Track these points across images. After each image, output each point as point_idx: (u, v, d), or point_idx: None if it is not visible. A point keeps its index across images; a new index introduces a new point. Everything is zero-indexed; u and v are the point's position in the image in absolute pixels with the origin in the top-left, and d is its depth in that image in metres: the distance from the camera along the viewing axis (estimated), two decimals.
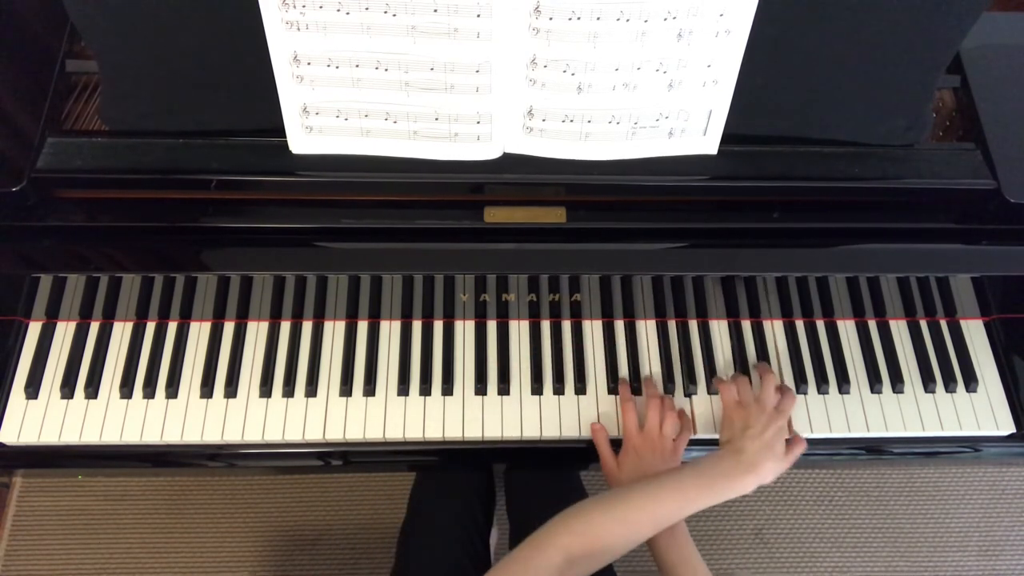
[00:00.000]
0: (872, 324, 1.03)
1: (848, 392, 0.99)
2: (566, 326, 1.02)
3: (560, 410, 0.97)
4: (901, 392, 1.00)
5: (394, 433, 0.96)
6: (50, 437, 0.94)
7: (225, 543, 1.65)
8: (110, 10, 0.79)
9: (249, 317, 1.01)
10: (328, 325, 1.01)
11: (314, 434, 0.95)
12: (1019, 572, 1.68)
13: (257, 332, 1.00)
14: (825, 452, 1.00)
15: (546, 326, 1.02)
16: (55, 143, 0.86)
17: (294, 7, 0.74)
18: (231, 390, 0.97)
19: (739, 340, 1.02)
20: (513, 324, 1.02)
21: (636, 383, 0.99)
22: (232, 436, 0.95)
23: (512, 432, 0.96)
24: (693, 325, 1.03)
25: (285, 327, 1.01)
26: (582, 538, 0.77)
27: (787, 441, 0.90)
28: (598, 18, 0.74)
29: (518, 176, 0.86)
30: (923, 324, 1.03)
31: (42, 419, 0.95)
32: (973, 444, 0.99)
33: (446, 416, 0.97)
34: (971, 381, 0.99)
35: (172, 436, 0.95)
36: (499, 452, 1.00)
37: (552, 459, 1.03)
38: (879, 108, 0.87)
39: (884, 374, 1.00)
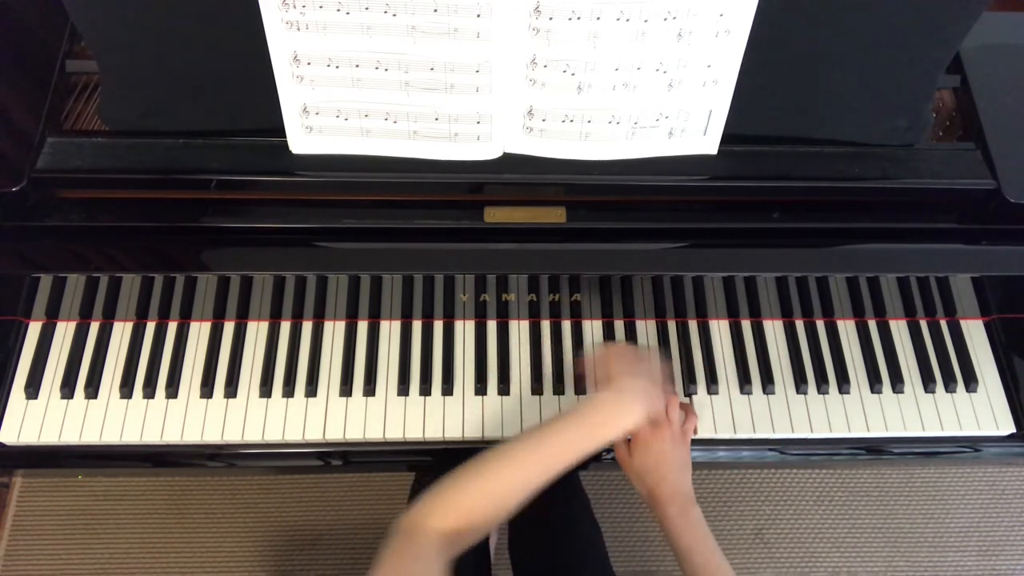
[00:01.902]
0: (872, 324, 1.03)
1: (848, 392, 0.99)
2: (566, 326, 1.02)
3: (560, 410, 0.97)
4: (901, 392, 1.00)
5: (394, 433, 0.96)
6: (50, 437, 0.94)
7: (225, 543, 1.65)
8: (110, 10, 0.79)
9: (249, 317, 1.01)
10: (328, 325, 1.01)
11: (314, 434, 0.95)
12: (1019, 572, 1.68)
13: (257, 332, 1.00)
14: (825, 452, 1.00)
15: (546, 326, 1.02)
16: (55, 143, 0.86)
17: (294, 7, 0.74)
18: (231, 390, 0.97)
19: (739, 340, 1.02)
20: (513, 324, 1.02)
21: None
22: (232, 436, 0.95)
23: (512, 432, 0.96)
24: (693, 325, 1.03)
25: (285, 327, 1.01)
26: (454, 515, 0.74)
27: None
28: (598, 18, 0.74)
29: (518, 176, 0.86)
30: (923, 324, 1.03)
31: (42, 419, 0.95)
32: (973, 444, 0.99)
33: (446, 416, 0.97)
34: (971, 381, 0.99)
35: (172, 436, 0.95)
36: None
37: None
38: (879, 108, 0.87)
39: (884, 374, 1.00)
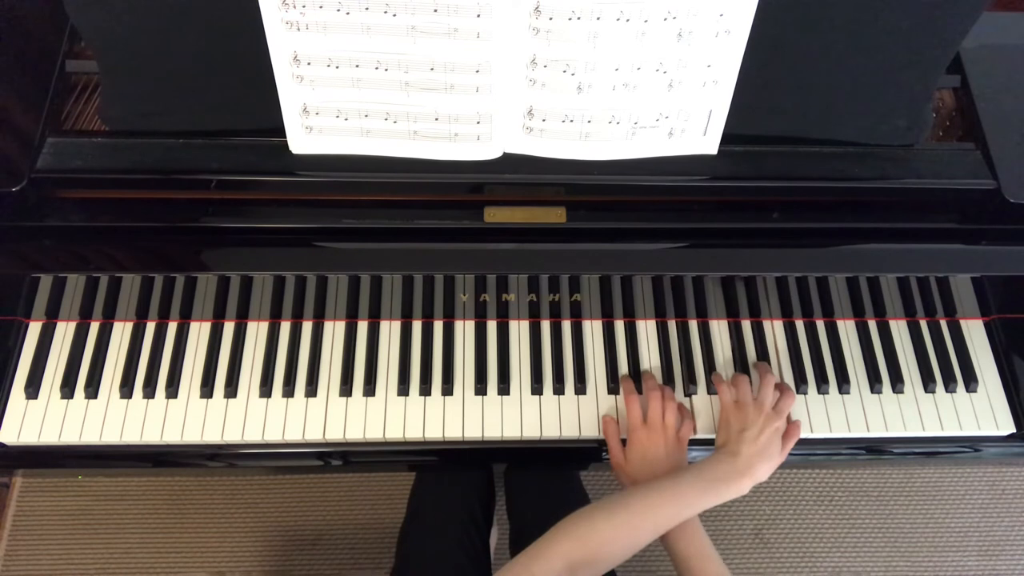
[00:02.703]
0: (872, 324, 1.03)
1: (848, 392, 0.99)
2: (566, 326, 1.02)
3: (560, 410, 0.97)
4: (901, 392, 1.00)
5: (394, 433, 0.96)
6: (50, 437, 0.94)
7: (225, 543, 1.65)
8: (110, 10, 0.79)
9: (249, 317, 1.01)
10: (328, 325, 1.01)
11: (314, 434, 0.95)
12: (1019, 572, 1.68)
13: (257, 332, 1.00)
14: (825, 452, 1.00)
15: (546, 326, 1.02)
16: (55, 143, 0.86)
17: (294, 7, 0.74)
18: (231, 390, 0.97)
19: (739, 340, 1.02)
20: (513, 324, 1.02)
21: (636, 382, 0.99)
22: (232, 436, 0.95)
23: (512, 432, 0.96)
24: (693, 325, 1.03)
25: (285, 327, 1.01)
26: (583, 544, 0.78)
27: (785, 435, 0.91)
28: (598, 18, 0.74)
29: (518, 176, 0.86)
30: (923, 324, 1.03)
31: (42, 419, 0.95)
32: (973, 444, 0.99)
33: (446, 416, 0.97)
34: (971, 381, 0.99)
35: (172, 436, 0.95)
36: (499, 452, 1.00)
37: (552, 459, 1.04)
38: (879, 108, 0.87)
39: (884, 374, 1.00)
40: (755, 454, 0.86)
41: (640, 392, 0.97)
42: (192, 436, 0.95)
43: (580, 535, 0.78)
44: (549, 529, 0.80)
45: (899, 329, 1.03)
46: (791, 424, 0.93)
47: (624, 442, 0.94)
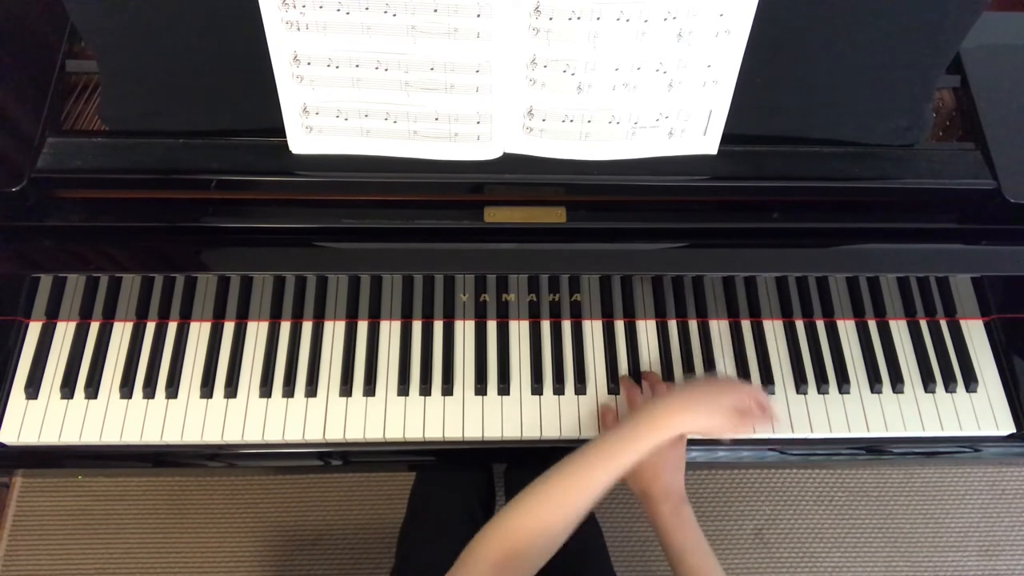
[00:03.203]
0: (872, 324, 1.03)
1: (848, 392, 0.99)
2: (566, 326, 1.02)
3: (560, 410, 0.97)
4: (901, 392, 1.00)
5: (394, 433, 0.96)
6: (50, 437, 0.94)
7: (225, 543, 1.65)
8: (110, 10, 0.79)
9: (249, 317, 1.01)
10: (328, 325, 1.01)
11: (314, 434, 0.95)
12: (1019, 572, 1.68)
13: (257, 332, 1.00)
14: (825, 452, 1.00)
15: (546, 326, 1.02)
16: (55, 143, 0.86)
17: (294, 7, 0.74)
18: (231, 390, 0.97)
19: (739, 340, 1.02)
20: (513, 324, 1.02)
21: (636, 383, 0.99)
22: (232, 436, 0.95)
23: (512, 432, 0.96)
24: (693, 325, 1.03)
25: (285, 327, 1.01)
26: (500, 542, 0.75)
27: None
28: (598, 18, 0.74)
29: (518, 176, 0.86)
30: (923, 324, 1.03)
31: (42, 419, 0.95)
32: (973, 444, 0.99)
33: (446, 416, 0.97)
34: (971, 381, 0.99)
35: (172, 436, 0.95)
36: (499, 452, 1.00)
37: (552, 459, 1.03)
38: (879, 108, 0.87)
39: (884, 374, 1.00)
40: (653, 403, 0.84)
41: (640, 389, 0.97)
42: (192, 436, 0.95)
43: (497, 535, 0.76)
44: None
45: (899, 329, 1.03)
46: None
47: None
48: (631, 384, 0.96)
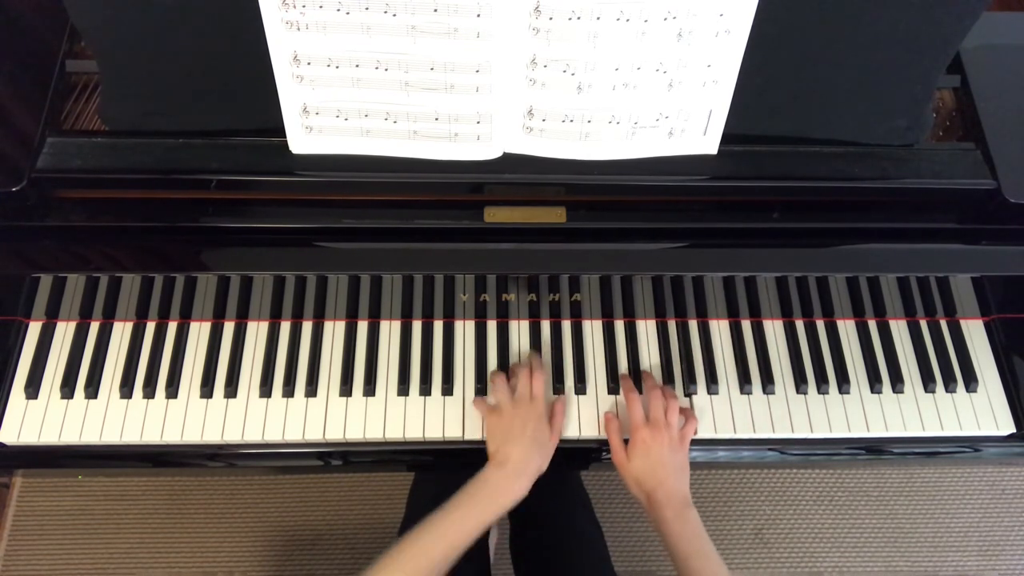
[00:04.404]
0: (872, 324, 1.03)
1: (848, 392, 0.99)
2: (566, 326, 1.02)
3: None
4: (901, 392, 1.00)
5: (394, 433, 0.96)
6: (50, 437, 0.94)
7: (225, 543, 1.66)
8: (110, 10, 0.79)
9: (249, 317, 1.01)
10: (328, 325, 1.01)
11: (314, 434, 0.95)
12: (1019, 572, 1.68)
13: (257, 332, 1.00)
14: (825, 452, 1.00)
15: (546, 326, 1.02)
16: (55, 143, 0.86)
17: (294, 7, 0.74)
18: (231, 390, 0.97)
19: (739, 340, 1.02)
20: (513, 324, 1.02)
21: (635, 382, 0.99)
22: (232, 436, 0.95)
23: None
24: (693, 325, 1.03)
25: (285, 327, 1.01)
26: (413, 562, 0.82)
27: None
28: (598, 18, 0.74)
29: (518, 176, 0.86)
30: (923, 324, 1.03)
31: (42, 419, 0.95)
32: (973, 444, 0.99)
33: (446, 416, 0.97)
34: (971, 381, 0.99)
35: (172, 436, 0.95)
36: None
37: (552, 459, 1.03)
38: (879, 108, 0.87)
39: (884, 374, 1.00)
40: (520, 451, 0.88)
41: (640, 392, 0.97)
42: (192, 436, 0.95)
43: (403, 561, 0.82)
44: None
45: (899, 329, 1.03)
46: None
47: (626, 442, 0.94)
48: (631, 386, 0.96)
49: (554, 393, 0.98)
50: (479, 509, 0.86)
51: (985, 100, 0.93)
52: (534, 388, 0.93)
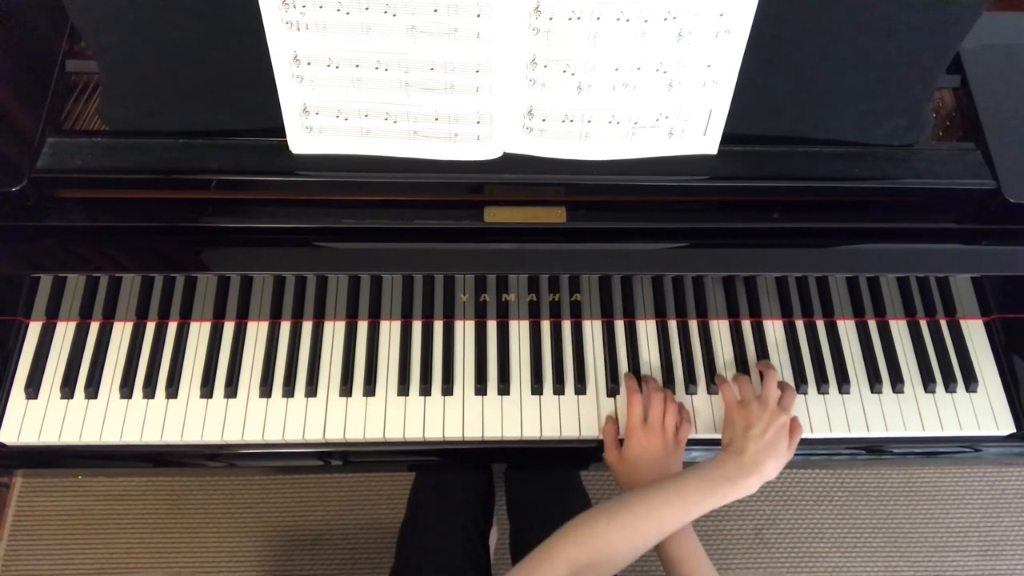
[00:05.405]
0: (872, 324, 1.03)
1: (848, 392, 0.99)
2: (566, 326, 1.02)
3: (560, 410, 0.97)
4: (901, 392, 1.00)
5: (394, 433, 0.96)
6: (50, 437, 0.94)
7: (225, 543, 1.66)
8: (110, 10, 0.79)
9: (249, 317, 1.01)
10: (328, 325, 1.01)
11: (314, 434, 0.95)
12: (1019, 572, 1.68)
13: (257, 332, 1.00)
14: (825, 452, 1.00)
15: (546, 326, 1.02)
16: (55, 143, 0.86)
17: (294, 7, 0.74)
18: (231, 390, 0.97)
19: (739, 340, 1.02)
20: (513, 324, 1.02)
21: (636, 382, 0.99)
22: (232, 436, 0.95)
23: (512, 432, 0.96)
24: (693, 325, 1.03)
25: (285, 327, 1.01)
26: (586, 548, 0.77)
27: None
28: (598, 18, 0.74)
29: (518, 176, 0.86)
30: (923, 324, 1.03)
31: (42, 419, 0.95)
32: (973, 444, 0.99)
33: (446, 416, 0.97)
34: (971, 381, 0.99)
35: (172, 436, 0.95)
36: (499, 452, 1.00)
37: (552, 459, 1.03)
38: (879, 108, 0.87)
39: (884, 374, 1.00)
40: (762, 450, 0.86)
41: (642, 391, 0.97)
42: (192, 436, 0.95)
43: (582, 539, 0.78)
44: (551, 534, 0.79)
45: (899, 329, 1.03)
46: (794, 422, 0.93)
47: (621, 442, 0.94)
48: (634, 386, 0.96)
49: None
50: (719, 490, 0.83)
51: (985, 100, 0.93)
52: (783, 401, 0.93)
